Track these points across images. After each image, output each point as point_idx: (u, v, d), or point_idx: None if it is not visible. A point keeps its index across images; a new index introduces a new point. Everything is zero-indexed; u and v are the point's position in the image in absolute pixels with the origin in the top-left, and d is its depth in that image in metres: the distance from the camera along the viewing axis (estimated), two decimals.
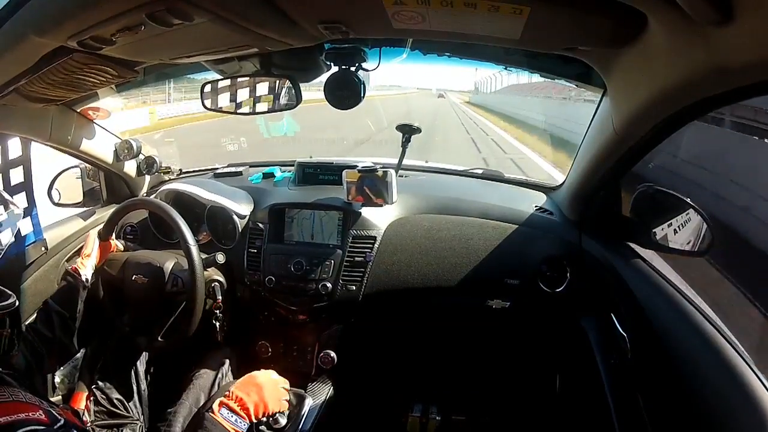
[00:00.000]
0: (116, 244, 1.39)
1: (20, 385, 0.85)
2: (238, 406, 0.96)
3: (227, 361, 1.39)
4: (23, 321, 1.36)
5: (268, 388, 1.04)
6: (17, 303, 0.88)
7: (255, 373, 1.07)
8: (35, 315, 1.19)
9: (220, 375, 1.36)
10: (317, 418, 1.34)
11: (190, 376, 1.34)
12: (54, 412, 0.78)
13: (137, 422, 1.34)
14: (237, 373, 1.40)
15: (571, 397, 1.55)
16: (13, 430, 0.68)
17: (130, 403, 1.36)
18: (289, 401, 1.14)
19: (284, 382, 1.12)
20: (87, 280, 1.24)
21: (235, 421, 0.94)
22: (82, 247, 1.32)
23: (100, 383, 1.36)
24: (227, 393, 0.99)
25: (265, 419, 1.05)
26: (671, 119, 0.82)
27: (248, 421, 0.96)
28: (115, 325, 1.35)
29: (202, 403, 1.21)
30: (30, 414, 0.73)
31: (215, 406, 0.96)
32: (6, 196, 1.26)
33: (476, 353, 1.74)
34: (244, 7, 0.70)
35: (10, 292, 0.87)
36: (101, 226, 1.35)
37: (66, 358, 1.43)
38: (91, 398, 1.34)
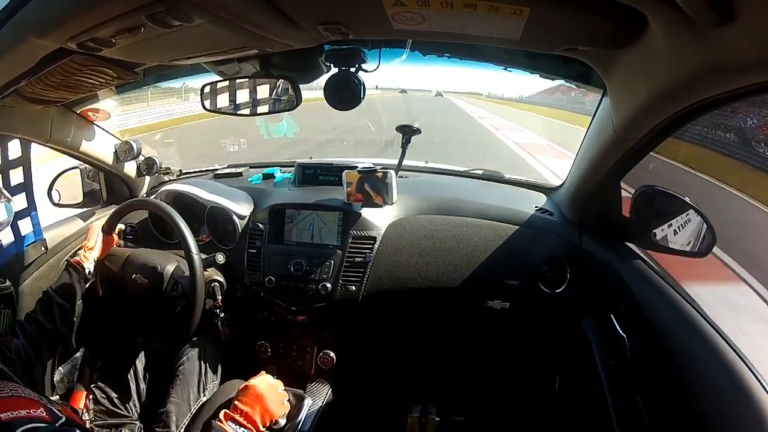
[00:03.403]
0: (120, 228, 1.41)
1: (19, 379, 0.85)
2: (244, 420, 0.98)
3: (201, 351, 1.40)
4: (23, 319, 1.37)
5: (269, 395, 1.05)
6: (11, 288, 0.90)
7: (252, 382, 1.08)
8: (36, 306, 1.19)
9: (202, 366, 1.37)
10: (316, 418, 1.34)
11: (174, 372, 1.35)
12: (54, 409, 0.78)
13: (136, 422, 1.34)
14: (238, 373, 1.40)
15: (570, 398, 1.55)
16: (14, 427, 0.66)
17: (128, 403, 1.36)
18: (289, 401, 1.14)
19: (280, 384, 1.13)
20: (89, 272, 1.25)
21: None
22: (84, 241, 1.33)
23: (99, 383, 1.36)
24: (232, 406, 1.00)
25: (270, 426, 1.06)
26: (671, 119, 0.82)
27: (256, 431, 0.99)
28: (113, 323, 1.35)
29: (192, 400, 1.22)
30: (31, 411, 0.72)
31: (222, 416, 0.98)
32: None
33: (476, 353, 1.74)
34: (244, 9, 0.70)
35: (2, 279, 0.89)
36: (104, 219, 1.36)
37: (65, 352, 1.43)
38: (91, 397, 1.34)
